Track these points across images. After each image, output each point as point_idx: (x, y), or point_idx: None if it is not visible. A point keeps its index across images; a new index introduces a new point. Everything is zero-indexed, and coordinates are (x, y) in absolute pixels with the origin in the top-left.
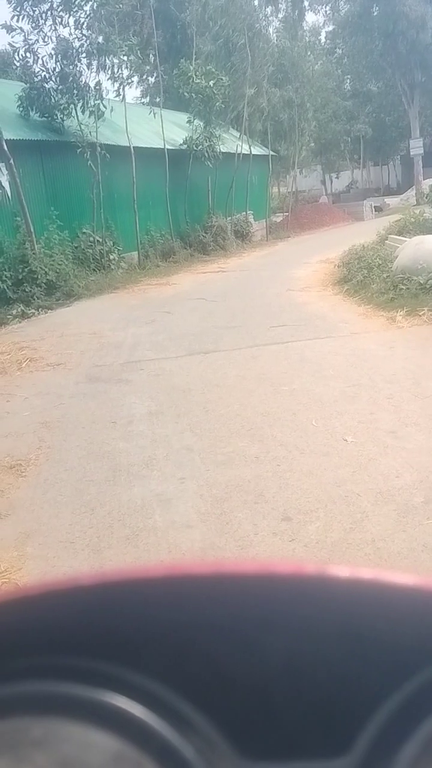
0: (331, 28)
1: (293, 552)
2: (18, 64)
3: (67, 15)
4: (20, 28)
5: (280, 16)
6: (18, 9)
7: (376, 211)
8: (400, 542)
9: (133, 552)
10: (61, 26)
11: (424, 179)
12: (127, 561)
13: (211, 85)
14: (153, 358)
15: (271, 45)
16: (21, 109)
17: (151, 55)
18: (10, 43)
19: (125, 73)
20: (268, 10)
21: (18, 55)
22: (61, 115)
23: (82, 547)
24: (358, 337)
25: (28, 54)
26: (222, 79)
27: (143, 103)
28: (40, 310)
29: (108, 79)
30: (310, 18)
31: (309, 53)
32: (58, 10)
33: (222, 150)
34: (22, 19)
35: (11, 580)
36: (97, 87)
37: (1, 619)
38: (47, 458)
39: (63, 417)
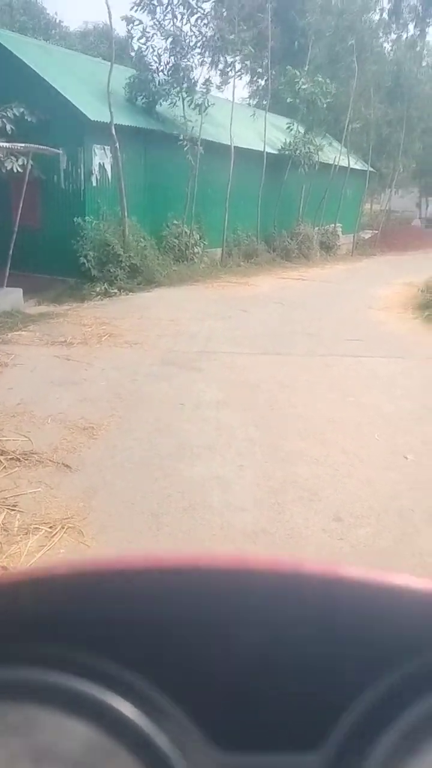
0: None
1: (340, 550)
2: (133, 54)
3: (188, 11)
4: (139, 20)
5: (397, 33)
6: (139, 1)
7: None
8: None
9: (189, 522)
10: (179, 21)
11: None
12: (183, 531)
13: (317, 91)
14: (226, 352)
15: (382, 60)
16: (128, 94)
17: (264, 58)
18: (128, 30)
19: (237, 67)
20: (383, 24)
21: (133, 43)
22: (167, 105)
23: (142, 510)
24: None
25: (143, 45)
26: (328, 84)
27: (249, 105)
28: (121, 291)
29: (218, 75)
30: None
31: (423, 70)
32: (177, 4)
33: (320, 160)
34: (143, 10)
35: (76, 527)
36: (207, 83)
37: None
38: (118, 426)
39: (136, 392)
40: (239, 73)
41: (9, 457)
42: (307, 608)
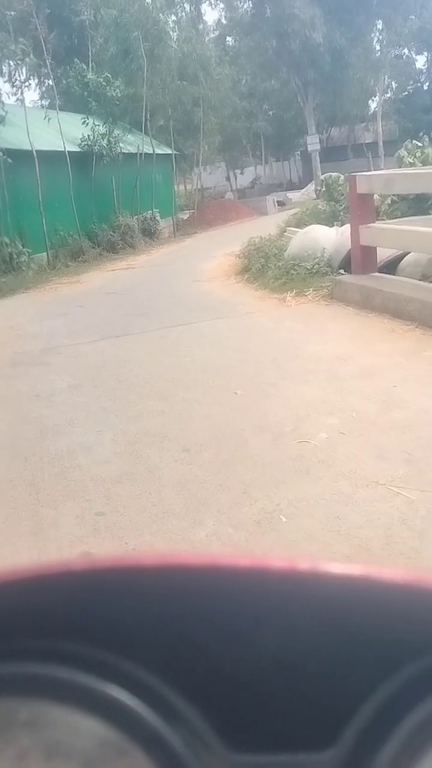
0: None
1: (191, 470)
2: None
3: None
4: None
5: (178, 15)
6: None
7: (279, 205)
8: (272, 457)
9: (62, 482)
10: None
11: (321, 174)
12: (58, 489)
13: (104, 83)
14: (69, 344)
15: (170, 49)
16: None
17: (47, 58)
18: None
19: (21, 77)
20: (167, 16)
21: None
22: None
23: (20, 483)
24: (252, 316)
25: None
26: (113, 81)
27: (42, 106)
28: None
29: (5, 82)
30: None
31: (209, 51)
32: None
33: (124, 150)
34: None
35: None
36: None
37: None
38: None
39: None
40: (27, 79)
41: None
42: (323, 608)
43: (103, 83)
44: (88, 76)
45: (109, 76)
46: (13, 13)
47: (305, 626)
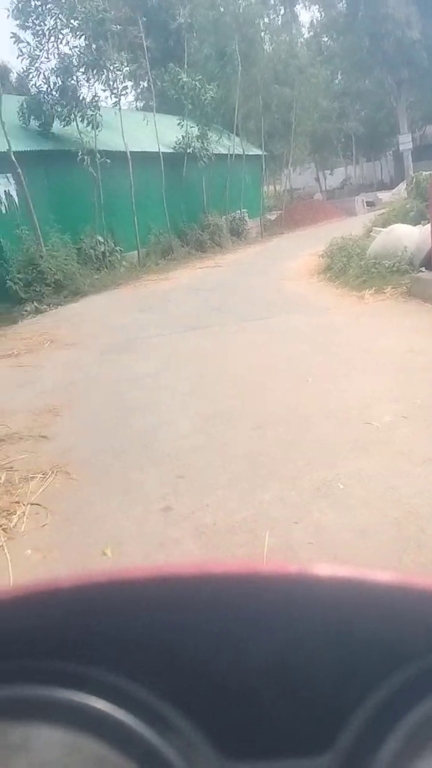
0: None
1: (260, 444)
2: (15, 77)
3: (69, 32)
4: (27, 42)
5: (271, 17)
6: (23, 21)
7: (368, 206)
8: (336, 436)
9: (146, 453)
10: (61, 43)
11: (413, 173)
12: (143, 458)
13: (198, 86)
14: (155, 335)
15: (264, 52)
16: (21, 120)
17: (143, 61)
18: (20, 49)
19: (120, 85)
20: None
21: (21, 66)
22: (61, 125)
23: (111, 454)
24: (330, 312)
25: (31, 68)
26: (207, 85)
27: (137, 108)
28: (50, 306)
29: (104, 90)
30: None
31: (302, 53)
32: (59, 27)
33: (215, 151)
34: (26, 31)
35: (63, 471)
36: (95, 100)
37: None
38: (76, 405)
39: (84, 378)
40: (125, 87)
41: None
42: (314, 613)
43: (198, 86)
44: (183, 79)
45: (203, 79)
46: (118, 26)
47: (298, 631)
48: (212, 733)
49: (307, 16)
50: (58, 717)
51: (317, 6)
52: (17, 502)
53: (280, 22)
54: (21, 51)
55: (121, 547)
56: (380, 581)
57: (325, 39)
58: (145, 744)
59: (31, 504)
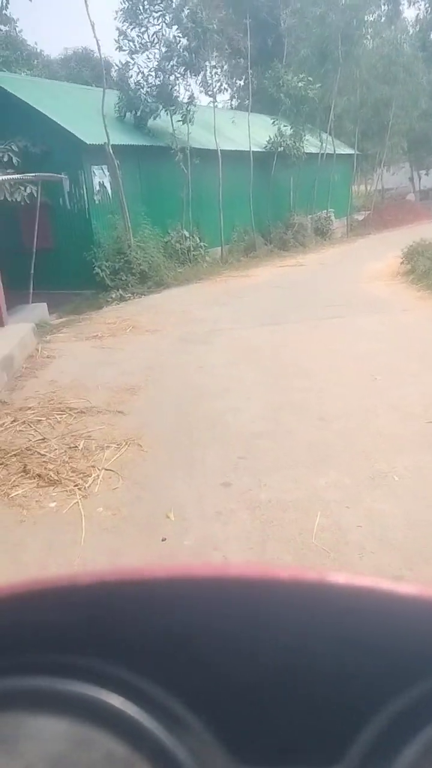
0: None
1: (322, 434)
2: (115, 72)
3: (170, 32)
4: (130, 39)
5: (375, 15)
6: (130, 23)
7: None
8: (397, 430)
9: (213, 432)
10: (162, 45)
11: None
12: (210, 437)
13: (301, 86)
14: (231, 328)
15: (366, 50)
16: (118, 113)
17: (241, 60)
18: (120, 46)
19: (216, 84)
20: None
21: (120, 61)
22: (155, 120)
23: (180, 432)
24: (407, 313)
25: (131, 64)
26: (312, 83)
27: (231, 106)
28: (134, 295)
29: (201, 91)
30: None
31: (404, 49)
32: (163, 30)
33: (306, 150)
34: (131, 30)
35: (135, 443)
36: (191, 99)
37: None
38: (152, 386)
39: (162, 363)
40: (220, 86)
41: (76, 411)
42: (330, 620)
43: (301, 85)
44: (288, 78)
45: (310, 79)
46: (220, 28)
47: (312, 639)
48: (223, 734)
49: (412, 12)
50: (71, 710)
51: (424, 1)
52: (93, 467)
53: (383, 19)
54: (121, 47)
55: (183, 512)
56: (399, 592)
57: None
58: (156, 741)
59: (105, 469)
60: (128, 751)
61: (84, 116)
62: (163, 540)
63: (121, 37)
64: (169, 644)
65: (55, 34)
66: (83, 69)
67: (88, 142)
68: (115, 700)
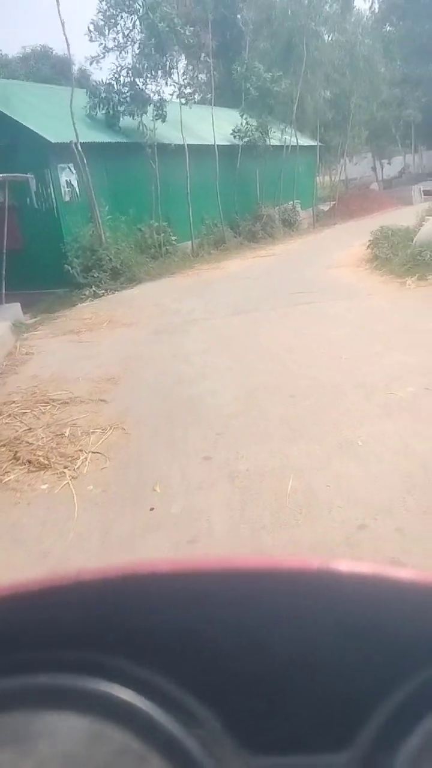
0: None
1: (293, 410)
2: (77, 70)
3: (140, 34)
4: (101, 41)
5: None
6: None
7: (426, 195)
8: (361, 404)
9: (191, 415)
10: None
11: None
12: (188, 420)
13: (268, 77)
14: (204, 318)
15: (324, 44)
16: (86, 113)
17: (202, 54)
18: (101, 44)
19: (181, 79)
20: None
21: (86, 59)
22: (125, 118)
23: (161, 416)
24: (372, 297)
25: (100, 61)
26: (281, 77)
27: (194, 100)
28: (108, 291)
29: (167, 86)
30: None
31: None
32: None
33: (270, 143)
34: (108, 31)
35: (119, 428)
36: (161, 100)
37: (4, 614)
38: (132, 376)
39: (139, 354)
40: (189, 84)
41: (59, 402)
42: (336, 608)
43: (268, 76)
44: (259, 70)
45: (280, 73)
46: (190, 29)
47: (319, 627)
48: (233, 726)
49: (366, 3)
50: (83, 705)
51: None
52: (80, 451)
53: (337, 12)
54: (105, 46)
55: (168, 485)
56: (402, 578)
57: (388, 27)
58: (167, 734)
59: (92, 452)
60: (141, 744)
61: (49, 115)
62: (151, 509)
63: (96, 33)
64: (176, 637)
65: (11, 34)
66: (43, 67)
67: (53, 141)
68: (126, 695)
